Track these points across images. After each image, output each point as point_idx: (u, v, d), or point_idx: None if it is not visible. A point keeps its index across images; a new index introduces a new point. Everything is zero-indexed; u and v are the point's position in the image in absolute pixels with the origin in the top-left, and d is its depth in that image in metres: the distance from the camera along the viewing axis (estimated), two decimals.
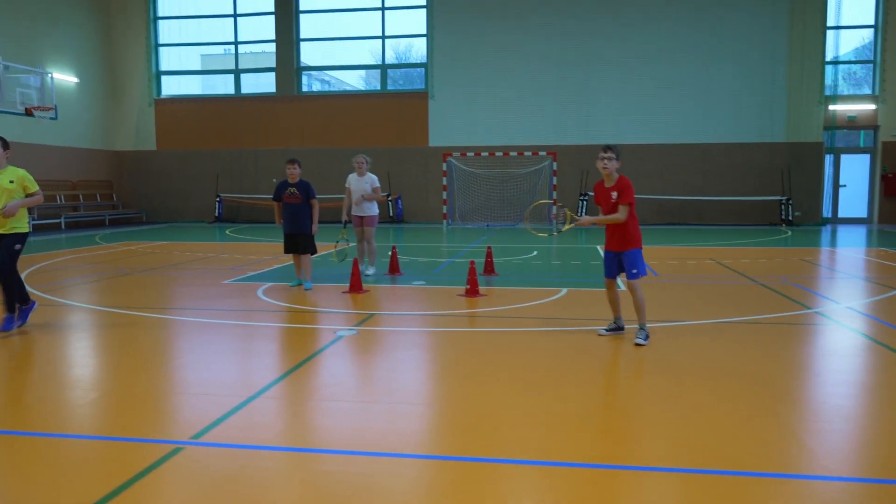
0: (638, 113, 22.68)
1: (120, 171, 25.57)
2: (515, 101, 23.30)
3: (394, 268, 10.82)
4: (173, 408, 4.72)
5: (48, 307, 8.25)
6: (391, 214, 23.54)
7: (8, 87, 17.03)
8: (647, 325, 6.50)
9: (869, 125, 22.46)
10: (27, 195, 6.88)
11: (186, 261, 12.95)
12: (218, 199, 24.72)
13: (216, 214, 24.68)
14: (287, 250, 9.58)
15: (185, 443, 3.94)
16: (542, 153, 23.00)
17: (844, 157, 22.92)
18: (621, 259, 6.40)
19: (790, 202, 21.84)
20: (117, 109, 25.41)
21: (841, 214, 23.00)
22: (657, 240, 16.90)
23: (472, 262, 9.12)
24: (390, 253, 11.24)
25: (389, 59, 24.75)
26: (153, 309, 8.16)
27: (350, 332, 6.77)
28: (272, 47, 24.75)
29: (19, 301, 6.92)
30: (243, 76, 25.30)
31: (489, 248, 11.30)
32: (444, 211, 23.36)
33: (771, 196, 22.31)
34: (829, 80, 22.26)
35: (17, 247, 6.83)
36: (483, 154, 23.19)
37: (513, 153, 23.09)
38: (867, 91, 22.61)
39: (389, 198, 23.47)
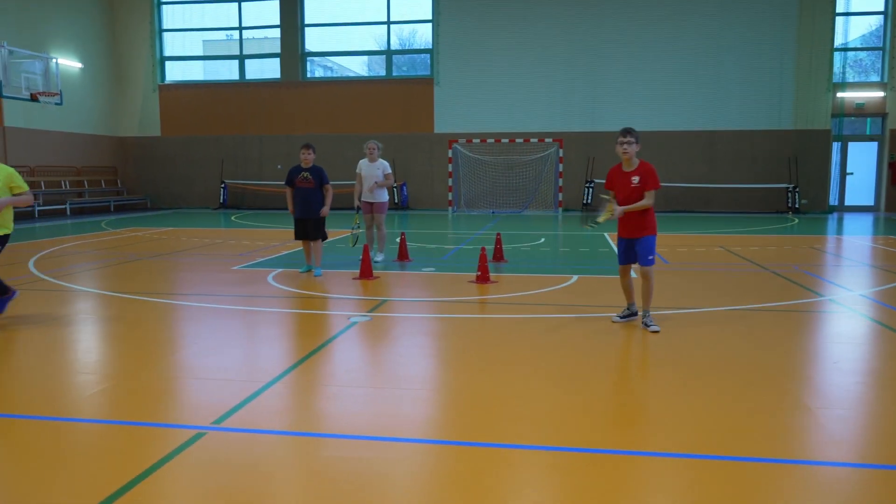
0: (645, 100, 22.57)
1: (124, 156, 25.51)
2: (521, 88, 23.18)
3: (403, 254, 10.81)
4: (193, 393, 4.72)
5: (59, 293, 8.26)
6: (396, 201, 23.50)
7: (13, 72, 16.97)
8: (663, 312, 6.49)
9: (877, 112, 22.33)
10: (14, 195, 6.49)
11: (194, 247, 12.95)
12: (223, 186, 24.69)
13: (221, 200, 24.65)
14: (297, 236, 9.54)
15: (207, 427, 3.95)
16: (548, 140, 22.93)
17: (852, 145, 22.82)
18: (636, 245, 6.37)
19: (797, 190, 21.77)
20: (121, 95, 25.33)
21: (848, 202, 22.92)
22: (664, 227, 16.80)
23: (483, 249, 9.11)
24: (398, 239, 11.22)
25: (394, 45, 24.61)
26: (165, 295, 8.16)
27: (364, 319, 6.77)
28: (275, 33, 24.62)
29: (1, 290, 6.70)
30: (247, 62, 25.18)
31: (498, 234, 11.27)
32: (450, 198, 23.32)
33: (778, 184, 22.23)
34: (837, 68, 22.11)
35: None
36: (489, 141, 23.12)
37: (519, 140, 23.01)
38: (875, 78, 22.46)
39: (394, 184, 23.42)
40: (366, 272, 9.09)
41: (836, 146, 22.58)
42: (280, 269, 9.90)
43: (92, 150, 23.94)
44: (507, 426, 4.03)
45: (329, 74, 26.39)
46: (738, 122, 22.37)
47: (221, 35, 26.04)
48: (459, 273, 9.65)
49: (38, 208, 20.25)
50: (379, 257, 10.56)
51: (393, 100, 23.98)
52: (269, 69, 25.09)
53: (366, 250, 9.29)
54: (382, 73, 24.72)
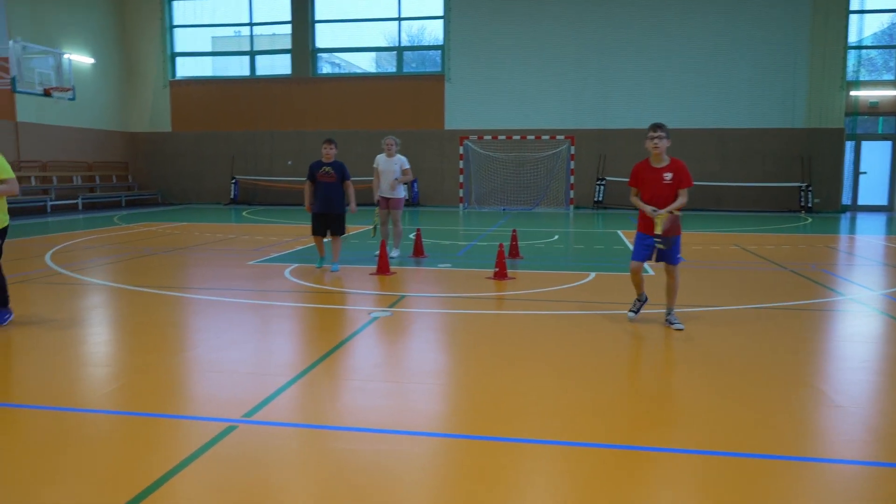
0: (656, 98, 22.46)
1: (135, 152, 25.56)
2: (532, 85, 23.12)
3: (418, 250, 10.79)
4: (222, 386, 4.70)
5: (77, 286, 8.27)
6: (407, 197, 23.45)
7: (26, 67, 17.00)
8: (685, 311, 6.44)
9: (891, 111, 22.18)
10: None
11: (207, 241, 12.95)
12: (233, 181, 24.71)
13: (232, 196, 24.68)
14: (315, 231, 9.46)
15: (238, 420, 3.94)
16: (560, 137, 22.86)
17: (865, 144, 22.67)
18: (667, 244, 6.18)
19: (810, 189, 21.64)
20: (132, 91, 25.37)
21: (861, 202, 22.78)
22: None
23: (501, 245, 9.08)
24: (413, 236, 11.19)
25: (403, 41, 24.56)
26: (182, 289, 8.16)
27: (384, 314, 6.75)
28: (286, 29, 24.61)
29: (1, 301, 6.21)
30: (258, 58, 25.19)
31: (514, 231, 11.24)
32: (461, 194, 23.28)
33: (790, 182, 22.11)
34: (850, 66, 21.97)
35: None
36: (500, 137, 23.07)
37: (530, 137, 22.95)
38: (889, 77, 22.30)
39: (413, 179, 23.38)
40: (383, 268, 9.08)
41: (849, 145, 22.43)
42: (296, 265, 9.89)
43: (103, 145, 23.99)
44: (535, 422, 4.01)
45: (338, 71, 26.36)
46: (749, 121, 22.25)
47: (231, 31, 26.06)
48: (476, 269, 9.62)
49: (50, 203, 20.31)
50: (395, 253, 10.54)
51: (403, 96, 23.95)
52: (279, 65, 25.08)
53: (383, 246, 9.27)
54: (392, 69, 24.69)
